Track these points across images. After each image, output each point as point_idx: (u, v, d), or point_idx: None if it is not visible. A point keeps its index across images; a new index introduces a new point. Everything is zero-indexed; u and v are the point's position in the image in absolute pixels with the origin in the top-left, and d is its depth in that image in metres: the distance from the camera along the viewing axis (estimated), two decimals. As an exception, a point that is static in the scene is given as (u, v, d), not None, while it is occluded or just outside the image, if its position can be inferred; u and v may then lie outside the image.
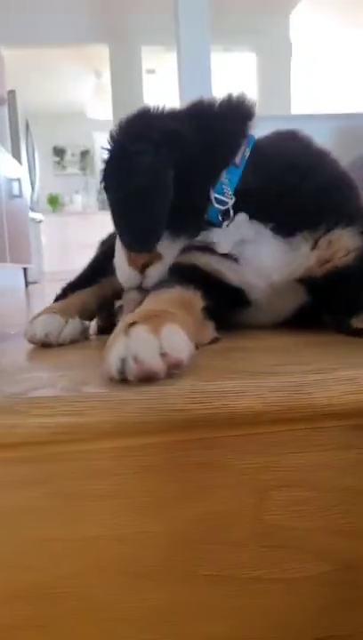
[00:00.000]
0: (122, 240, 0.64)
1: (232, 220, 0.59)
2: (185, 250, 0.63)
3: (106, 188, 0.63)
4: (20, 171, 3.05)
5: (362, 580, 0.41)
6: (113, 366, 0.37)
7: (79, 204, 6.39)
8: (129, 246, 0.64)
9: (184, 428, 0.38)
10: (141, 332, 0.38)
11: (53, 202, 6.32)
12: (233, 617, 0.40)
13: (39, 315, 0.64)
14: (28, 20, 3.66)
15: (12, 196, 2.70)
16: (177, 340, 0.39)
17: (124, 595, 0.40)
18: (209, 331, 0.57)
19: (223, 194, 0.59)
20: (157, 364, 0.37)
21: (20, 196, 2.82)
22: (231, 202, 0.59)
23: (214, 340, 0.57)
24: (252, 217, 0.59)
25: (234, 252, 0.60)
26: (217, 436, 0.39)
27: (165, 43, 3.45)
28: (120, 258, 0.67)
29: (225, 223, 0.59)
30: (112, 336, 0.41)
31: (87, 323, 0.70)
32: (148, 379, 0.37)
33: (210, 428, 0.38)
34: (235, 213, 0.59)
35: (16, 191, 2.74)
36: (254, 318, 0.66)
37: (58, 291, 0.79)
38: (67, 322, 0.63)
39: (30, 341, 0.62)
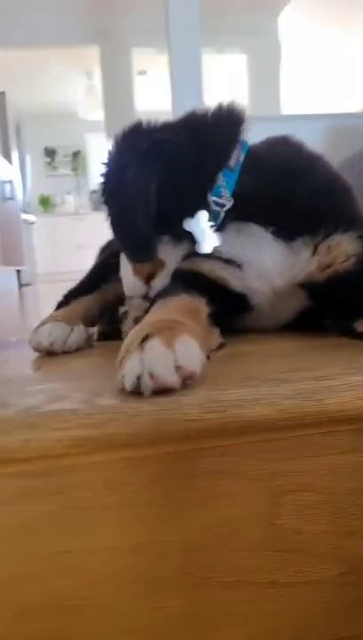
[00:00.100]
0: (122, 252, 0.65)
1: (232, 222, 0.60)
2: (187, 256, 0.64)
3: (104, 203, 0.65)
4: (12, 173, 3.04)
5: (376, 582, 0.42)
6: (128, 383, 0.37)
7: (71, 204, 6.38)
8: (128, 258, 0.65)
9: (199, 438, 0.38)
10: (155, 345, 0.38)
11: (45, 203, 6.30)
12: (249, 622, 0.41)
13: (44, 323, 0.64)
14: (18, 21, 3.64)
15: (5, 199, 2.69)
16: (191, 351, 0.39)
17: (140, 604, 0.40)
18: (215, 337, 0.58)
19: (221, 196, 0.60)
20: (172, 379, 0.37)
21: (13, 198, 2.81)
22: (230, 204, 0.59)
23: (221, 346, 0.57)
24: (251, 220, 0.60)
25: (236, 257, 0.61)
26: (231, 443, 0.39)
27: (157, 45, 3.44)
28: (125, 269, 0.68)
29: (226, 226, 0.60)
30: (124, 346, 0.41)
31: (91, 329, 0.70)
32: (162, 392, 0.37)
33: (224, 436, 0.39)
34: (234, 216, 0.60)
35: (8, 193, 2.73)
36: (256, 322, 0.66)
37: (59, 297, 0.79)
38: (72, 329, 0.63)
39: (36, 350, 0.62)
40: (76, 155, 6.45)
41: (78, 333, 0.64)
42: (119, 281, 0.70)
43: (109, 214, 0.64)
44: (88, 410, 0.37)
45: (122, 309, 0.72)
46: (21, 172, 3.72)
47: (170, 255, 0.63)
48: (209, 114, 0.64)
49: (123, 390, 0.39)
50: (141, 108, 4.08)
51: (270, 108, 3.93)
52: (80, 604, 0.40)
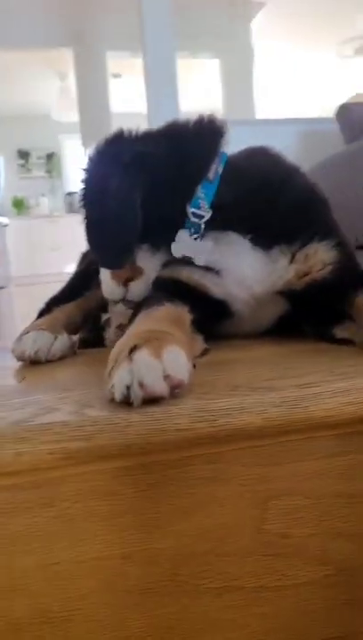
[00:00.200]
0: (96, 258, 0.66)
1: (211, 232, 0.61)
2: (167, 264, 0.65)
3: (82, 208, 0.65)
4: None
5: (362, 580, 0.43)
6: (118, 392, 0.38)
7: (46, 206, 6.30)
8: (101, 264, 0.66)
9: (188, 446, 0.39)
10: (144, 356, 0.38)
11: (19, 205, 6.21)
12: (242, 626, 0.41)
13: (27, 332, 0.64)
14: (-12, 22, 3.59)
15: (-22, 202, 2.64)
16: (178, 361, 0.40)
17: (131, 612, 0.40)
18: (199, 344, 0.59)
19: (199, 208, 0.61)
20: (161, 388, 0.38)
21: (-14, 201, 2.76)
22: (208, 215, 0.61)
23: (204, 352, 0.58)
24: (230, 229, 0.61)
25: (215, 265, 0.62)
26: (219, 451, 0.40)
27: (131, 48, 3.44)
28: (104, 272, 0.69)
29: (198, 237, 0.61)
30: (113, 357, 0.41)
31: (74, 337, 0.70)
32: (151, 401, 0.38)
33: (213, 444, 0.39)
34: (213, 226, 0.61)
35: (-19, 197, 2.68)
36: (237, 328, 0.67)
37: (34, 300, 0.79)
38: (56, 338, 0.63)
39: (19, 359, 0.61)
40: (50, 156, 6.37)
41: (62, 342, 0.64)
42: (101, 288, 0.71)
43: (87, 220, 0.64)
44: (79, 422, 0.37)
45: (104, 317, 0.72)
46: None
47: (148, 263, 0.65)
48: (190, 124, 0.65)
49: (112, 401, 0.39)
50: (116, 110, 4.08)
51: (244, 112, 3.98)
52: (70, 615, 0.40)
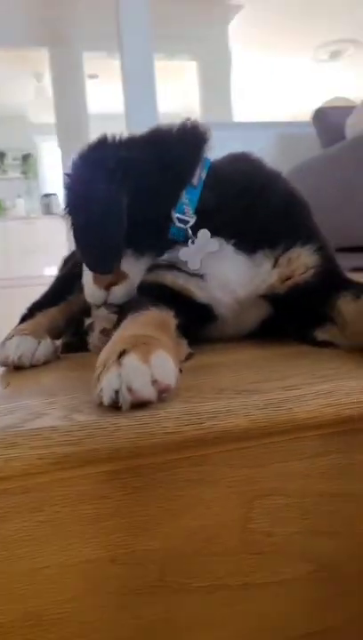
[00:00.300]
0: (84, 262, 0.66)
1: (195, 237, 0.62)
2: (152, 268, 0.65)
3: (68, 213, 0.65)
4: None
5: (345, 576, 0.45)
6: (106, 397, 0.38)
7: (22, 208, 6.23)
8: (89, 268, 0.67)
9: (176, 449, 0.40)
10: (132, 360, 0.39)
11: (-6, 206, 6.12)
12: (228, 624, 0.42)
13: (10, 337, 0.63)
14: None
15: None
16: (166, 366, 0.40)
17: (120, 615, 0.41)
18: (184, 348, 0.59)
19: (184, 213, 0.62)
20: (149, 392, 0.38)
21: None
22: (193, 221, 0.61)
23: (189, 356, 0.59)
24: (214, 234, 0.62)
25: (199, 269, 0.63)
26: (206, 453, 0.41)
27: (107, 48, 3.44)
28: (87, 276, 0.69)
29: (189, 241, 0.62)
30: (101, 362, 0.42)
31: (58, 342, 0.70)
32: (140, 405, 0.39)
33: (200, 446, 0.40)
34: (197, 231, 0.62)
35: None
36: (221, 332, 0.68)
37: (10, 303, 0.78)
38: (39, 342, 0.63)
39: (3, 364, 0.61)
40: (26, 158, 6.31)
41: (46, 346, 0.64)
42: (83, 292, 0.71)
43: (73, 225, 0.64)
44: (68, 427, 0.38)
45: (88, 321, 0.72)
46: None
47: (132, 268, 0.65)
48: (174, 130, 0.66)
49: (101, 405, 0.40)
50: (93, 111, 4.06)
51: (222, 115, 4.01)
52: (59, 618, 0.40)
